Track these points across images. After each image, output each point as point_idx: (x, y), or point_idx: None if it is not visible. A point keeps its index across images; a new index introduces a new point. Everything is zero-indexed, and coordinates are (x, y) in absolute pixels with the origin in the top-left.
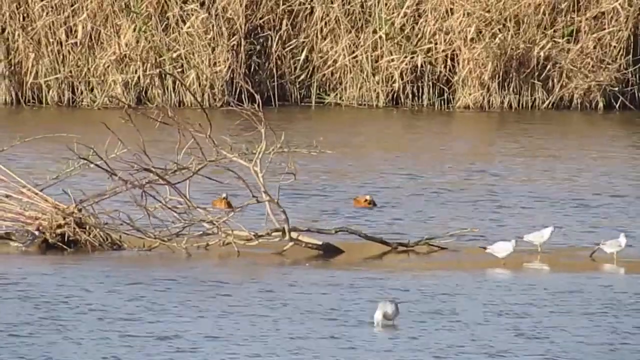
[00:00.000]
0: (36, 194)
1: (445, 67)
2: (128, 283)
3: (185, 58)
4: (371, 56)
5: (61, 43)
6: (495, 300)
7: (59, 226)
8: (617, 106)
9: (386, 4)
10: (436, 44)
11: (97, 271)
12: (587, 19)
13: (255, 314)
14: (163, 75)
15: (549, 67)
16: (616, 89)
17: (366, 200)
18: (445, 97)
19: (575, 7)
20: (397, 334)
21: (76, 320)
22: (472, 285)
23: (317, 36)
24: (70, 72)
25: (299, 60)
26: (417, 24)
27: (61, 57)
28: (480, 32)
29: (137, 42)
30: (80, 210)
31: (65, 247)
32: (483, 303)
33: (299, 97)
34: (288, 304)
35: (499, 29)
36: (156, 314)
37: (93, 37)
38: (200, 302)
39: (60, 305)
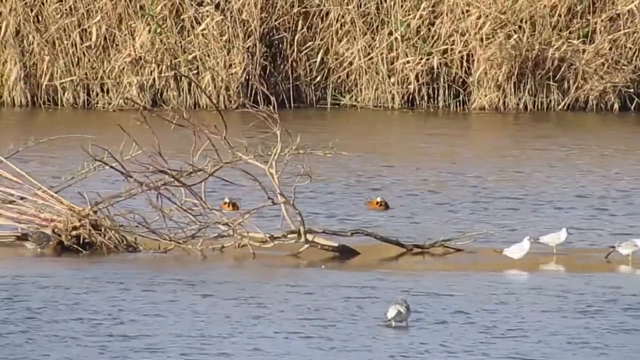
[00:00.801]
0: (51, 196)
1: (461, 68)
2: (143, 285)
3: (201, 60)
4: (387, 58)
5: (76, 45)
6: (510, 302)
7: (75, 228)
8: (632, 107)
9: (402, 6)
10: (452, 45)
11: (112, 273)
12: (602, 21)
13: (271, 315)
14: (178, 77)
15: (564, 68)
16: (631, 90)
17: (379, 202)
18: (461, 98)
19: (591, 8)
20: (411, 335)
21: (90, 322)
22: (487, 287)
23: (332, 38)
24: (85, 74)
25: (315, 62)
26: (432, 25)
27: (76, 59)
28: (496, 33)
29: (152, 44)
30: (95, 212)
31: (80, 249)
32: (497, 305)
33: (314, 99)
34: (303, 306)
35: (514, 30)
36: (172, 315)
37: (108, 39)
38: (216, 304)
39: (75, 307)
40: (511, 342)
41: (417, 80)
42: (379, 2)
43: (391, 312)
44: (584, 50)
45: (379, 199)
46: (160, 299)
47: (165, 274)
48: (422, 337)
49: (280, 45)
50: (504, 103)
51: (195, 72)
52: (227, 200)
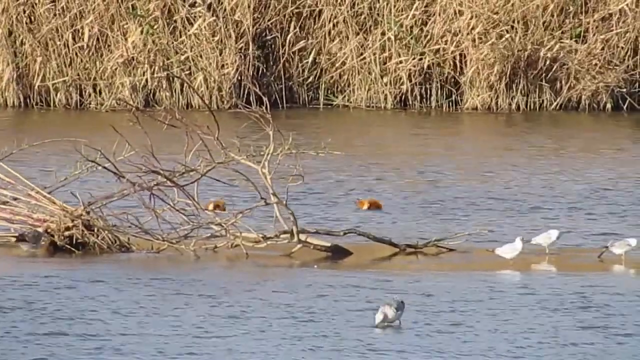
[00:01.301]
0: (44, 196)
1: (454, 68)
2: (136, 285)
3: (193, 60)
4: (379, 58)
5: (68, 46)
6: (504, 303)
7: (67, 228)
8: (624, 107)
9: (395, 6)
10: (445, 44)
11: (105, 273)
12: (594, 21)
13: (264, 316)
14: (171, 78)
15: (556, 68)
16: (624, 90)
17: (370, 202)
18: (454, 98)
19: (583, 8)
20: (405, 335)
21: (83, 322)
22: (481, 287)
23: (325, 38)
24: (78, 74)
25: (307, 62)
26: (425, 25)
27: (68, 59)
28: (488, 33)
29: (145, 44)
30: (88, 213)
31: (73, 249)
32: (491, 306)
33: (307, 99)
34: (295, 306)
35: (507, 30)
36: (165, 315)
37: (100, 40)
38: (208, 304)
39: (68, 308)
40: (505, 345)
41: (410, 81)
42: (372, 2)
43: (378, 317)
44: (576, 50)
45: (372, 199)
46: (153, 298)
47: (158, 273)
48: (415, 337)
49: (273, 46)
50: (496, 103)
51: (187, 72)
52: (211, 206)
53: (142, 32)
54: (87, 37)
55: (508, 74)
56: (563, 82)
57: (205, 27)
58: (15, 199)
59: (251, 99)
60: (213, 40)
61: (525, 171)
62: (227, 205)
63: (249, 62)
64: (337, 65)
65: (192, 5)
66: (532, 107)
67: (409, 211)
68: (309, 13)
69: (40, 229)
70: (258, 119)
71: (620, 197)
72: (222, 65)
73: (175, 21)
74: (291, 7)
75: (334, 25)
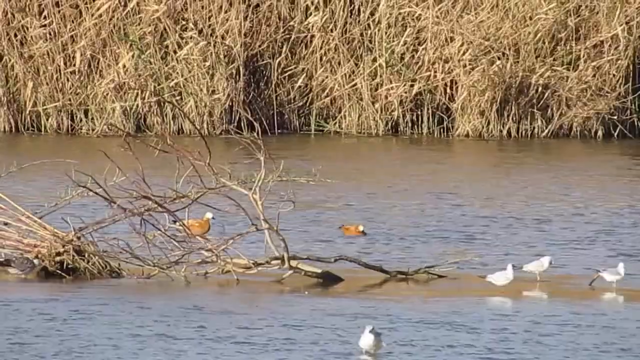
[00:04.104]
0: (35, 221)
1: (445, 95)
2: (127, 311)
3: (184, 86)
4: (370, 84)
5: (60, 70)
6: (496, 328)
7: (58, 254)
8: (615, 135)
9: (386, 32)
10: (435, 72)
11: (95, 299)
12: (586, 48)
13: (253, 342)
14: (162, 103)
15: (547, 95)
16: (615, 117)
17: (357, 228)
18: (445, 125)
19: (574, 35)
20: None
21: (78, 348)
22: (471, 314)
23: (316, 64)
24: (69, 99)
25: (298, 88)
26: (416, 52)
27: (60, 84)
28: (479, 59)
29: (136, 69)
30: (79, 238)
31: (64, 274)
32: (484, 331)
33: (298, 125)
34: (286, 332)
35: (498, 57)
36: (156, 342)
37: (92, 65)
38: (200, 330)
39: (58, 333)
40: None
41: (401, 107)
42: (364, 29)
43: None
44: (567, 77)
45: (358, 225)
46: (144, 324)
47: (149, 299)
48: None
49: (264, 71)
50: (487, 130)
51: (178, 97)
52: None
53: (133, 56)
54: (78, 62)
55: (499, 100)
56: (554, 109)
57: (196, 52)
58: (6, 223)
59: (242, 125)
60: (204, 65)
61: (517, 197)
62: (213, 227)
63: (240, 87)
64: (327, 91)
65: (184, 29)
66: (523, 134)
67: (400, 238)
68: (301, 39)
69: (30, 255)
70: (249, 144)
71: (617, 227)
72: (213, 91)
73: (167, 46)
74: (282, 32)
75: (325, 52)
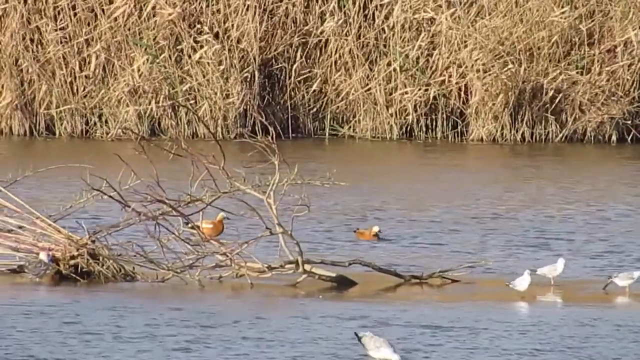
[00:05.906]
0: (50, 225)
1: (459, 99)
2: (141, 314)
3: (198, 90)
4: (385, 89)
5: (74, 74)
6: (511, 334)
7: (73, 257)
8: (629, 139)
9: (401, 37)
10: (450, 76)
11: (110, 302)
12: (600, 52)
13: (267, 346)
14: (176, 107)
15: (561, 99)
16: (629, 122)
17: (371, 232)
18: (459, 129)
19: (586, 40)
20: None
21: (89, 351)
22: (488, 318)
23: (331, 68)
24: (84, 103)
25: (313, 92)
26: (431, 56)
27: (74, 88)
28: (492, 64)
29: (150, 73)
30: (93, 242)
31: (78, 278)
32: (498, 336)
33: (312, 129)
34: (300, 336)
35: (511, 61)
36: (169, 345)
37: (106, 68)
38: (213, 334)
39: (74, 336)
40: None
41: (416, 111)
42: (378, 33)
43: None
44: (581, 82)
45: (373, 229)
46: (158, 328)
47: (163, 303)
48: None
49: (279, 75)
50: (501, 134)
51: (192, 101)
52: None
53: (148, 60)
54: (93, 66)
55: (513, 105)
56: (568, 113)
57: (210, 56)
58: (20, 227)
59: (257, 129)
60: (219, 69)
61: (531, 202)
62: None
63: (255, 91)
64: (342, 95)
65: (199, 33)
66: (537, 138)
67: (414, 242)
68: (316, 43)
69: (42, 255)
70: (264, 148)
71: (631, 230)
72: (227, 95)
73: (182, 50)
74: (297, 37)
75: (340, 56)
